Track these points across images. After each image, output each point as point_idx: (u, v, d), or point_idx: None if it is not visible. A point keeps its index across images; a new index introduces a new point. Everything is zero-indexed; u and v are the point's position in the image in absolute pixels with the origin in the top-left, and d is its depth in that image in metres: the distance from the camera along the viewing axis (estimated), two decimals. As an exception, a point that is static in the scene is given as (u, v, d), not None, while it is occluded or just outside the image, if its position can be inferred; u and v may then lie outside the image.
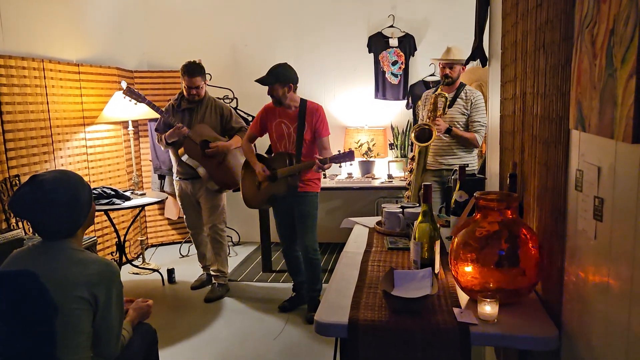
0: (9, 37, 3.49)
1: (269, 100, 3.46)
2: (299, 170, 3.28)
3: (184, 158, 3.71)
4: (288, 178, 3.30)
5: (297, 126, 3.32)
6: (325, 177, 4.77)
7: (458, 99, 3.58)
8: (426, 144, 3.46)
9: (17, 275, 1.57)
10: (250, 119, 4.71)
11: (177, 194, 4.02)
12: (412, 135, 3.50)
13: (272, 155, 3.50)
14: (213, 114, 3.83)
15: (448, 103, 3.53)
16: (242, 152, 3.68)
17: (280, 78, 3.23)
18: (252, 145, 3.57)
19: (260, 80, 3.25)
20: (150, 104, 3.76)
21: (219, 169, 3.78)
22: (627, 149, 1.01)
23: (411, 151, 4.36)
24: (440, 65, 3.65)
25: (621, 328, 1.05)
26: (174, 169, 3.96)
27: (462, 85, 3.63)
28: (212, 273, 4.05)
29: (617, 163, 1.06)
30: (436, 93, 3.54)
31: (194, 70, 3.69)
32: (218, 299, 3.88)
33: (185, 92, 3.76)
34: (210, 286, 4.04)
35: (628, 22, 0.95)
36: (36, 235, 3.09)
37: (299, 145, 3.32)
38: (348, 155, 3.13)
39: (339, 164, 3.17)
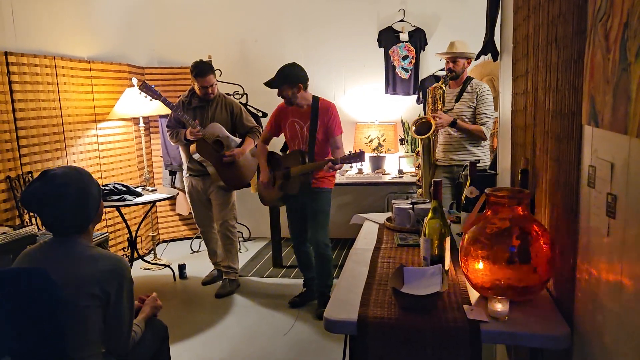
0: (21, 35, 3.52)
1: (280, 97, 3.45)
2: (311, 170, 3.28)
3: (195, 156, 3.72)
4: (301, 177, 3.30)
5: (309, 125, 3.32)
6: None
7: (464, 93, 3.56)
8: (425, 136, 3.45)
9: (28, 273, 1.59)
10: (260, 115, 4.72)
11: (186, 190, 4.03)
12: (413, 129, 3.50)
13: (286, 153, 3.51)
14: (224, 112, 3.83)
15: (450, 97, 3.52)
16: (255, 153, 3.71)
17: (288, 79, 3.24)
18: (266, 147, 3.58)
19: (268, 84, 3.27)
20: (165, 101, 3.75)
21: (229, 169, 3.79)
22: (641, 145, 0.99)
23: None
24: (445, 60, 3.63)
25: (635, 327, 1.04)
26: (184, 166, 3.98)
27: (469, 78, 3.61)
28: (222, 269, 4.07)
29: (631, 159, 1.04)
30: (433, 86, 3.54)
31: (205, 69, 3.68)
32: (229, 294, 3.89)
33: (199, 92, 3.75)
34: (221, 282, 4.06)
35: (642, 15, 0.93)
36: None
37: (312, 144, 3.32)
38: (358, 156, 3.13)
39: (349, 165, 3.18)
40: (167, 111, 4.44)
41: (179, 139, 3.78)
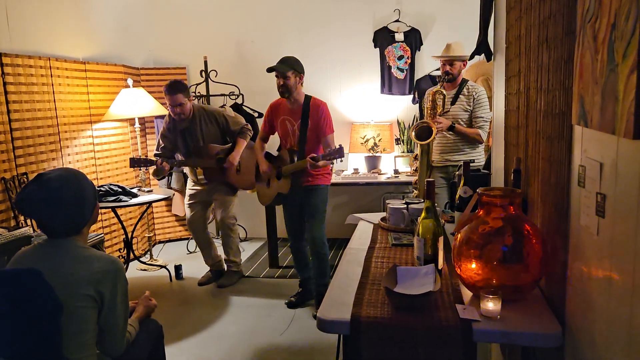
0: (16, 36, 3.51)
1: (274, 96, 3.46)
2: (295, 170, 3.30)
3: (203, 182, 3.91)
4: (292, 176, 3.31)
5: (300, 124, 3.32)
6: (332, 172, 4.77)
7: (460, 96, 3.56)
8: (426, 142, 3.45)
9: (23, 273, 1.59)
10: (256, 115, 4.72)
11: (188, 193, 4.05)
12: (412, 133, 3.49)
13: (279, 152, 3.52)
14: (210, 125, 3.86)
15: (446, 100, 3.51)
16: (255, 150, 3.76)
17: (294, 66, 3.27)
18: (264, 144, 3.60)
19: (275, 69, 3.24)
20: (160, 164, 3.74)
21: (238, 175, 3.90)
22: (629, 145, 1.00)
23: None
24: (441, 62, 3.62)
25: (623, 324, 1.05)
26: (189, 179, 4.07)
27: (465, 81, 3.61)
28: (226, 264, 4.17)
29: (619, 159, 1.05)
30: (434, 90, 3.52)
31: (174, 88, 3.65)
32: (230, 285, 4.04)
33: (170, 112, 3.77)
34: (221, 276, 4.16)
35: (629, 17, 0.93)
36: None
37: (302, 142, 3.32)
38: (338, 152, 3.12)
39: (330, 162, 3.16)
40: (164, 112, 4.44)
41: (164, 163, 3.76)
